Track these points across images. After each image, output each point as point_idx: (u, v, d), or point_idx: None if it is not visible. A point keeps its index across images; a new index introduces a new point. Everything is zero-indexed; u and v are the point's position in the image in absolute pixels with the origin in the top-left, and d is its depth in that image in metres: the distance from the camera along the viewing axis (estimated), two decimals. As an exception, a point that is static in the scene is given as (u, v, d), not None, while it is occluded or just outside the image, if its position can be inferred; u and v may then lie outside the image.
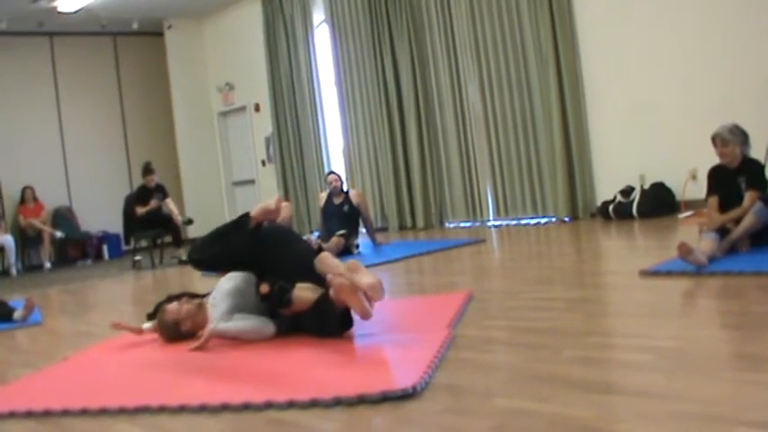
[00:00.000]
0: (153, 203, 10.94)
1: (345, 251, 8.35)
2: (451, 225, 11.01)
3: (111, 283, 9.81)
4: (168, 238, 11.45)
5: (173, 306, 4.82)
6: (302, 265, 4.52)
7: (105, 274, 11.02)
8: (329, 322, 4.20)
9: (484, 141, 10.53)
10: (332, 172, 9.61)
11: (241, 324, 4.43)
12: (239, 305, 4.51)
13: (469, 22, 10.37)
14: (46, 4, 11.97)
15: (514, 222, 10.12)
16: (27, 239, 13.19)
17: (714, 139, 5.73)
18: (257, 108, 14.35)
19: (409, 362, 3.61)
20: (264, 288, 4.28)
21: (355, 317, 4.24)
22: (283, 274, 4.37)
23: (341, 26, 12.21)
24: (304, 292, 4.29)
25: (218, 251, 4.66)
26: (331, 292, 4.12)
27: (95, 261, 13.58)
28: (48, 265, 12.86)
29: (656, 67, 8.68)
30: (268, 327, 4.46)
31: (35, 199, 13.23)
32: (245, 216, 4.64)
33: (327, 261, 4.53)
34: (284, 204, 4.81)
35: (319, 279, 4.42)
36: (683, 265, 4.95)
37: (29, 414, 3.55)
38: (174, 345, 4.72)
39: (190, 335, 4.75)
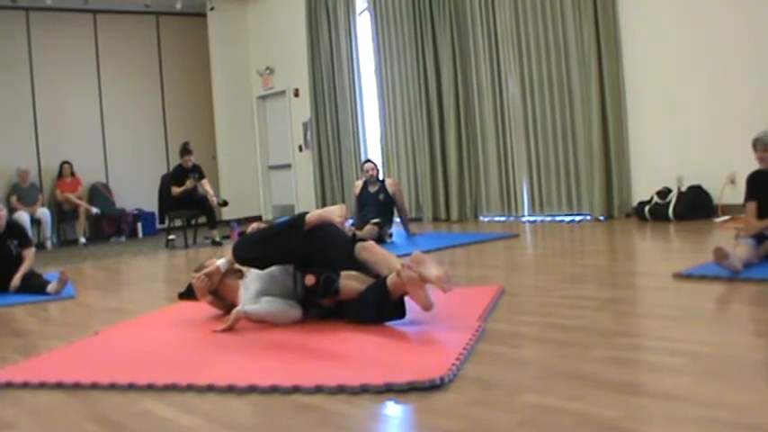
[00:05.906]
0: (189, 184, 11.01)
1: (379, 240, 8.33)
2: (486, 219, 10.99)
3: (144, 260, 9.88)
4: (203, 219, 11.53)
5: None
6: (343, 254, 4.54)
7: (139, 251, 11.10)
8: (383, 310, 4.20)
9: (522, 136, 10.48)
10: (368, 160, 9.60)
11: (267, 306, 4.46)
12: (269, 289, 4.54)
13: (512, 17, 10.32)
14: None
15: (549, 219, 10.08)
16: (63, 214, 13.32)
17: (755, 143, 5.64)
18: (296, 93, 14.40)
19: (438, 353, 3.62)
20: (310, 279, 4.30)
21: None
22: (325, 263, 4.39)
23: (383, 15, 12.21)
24: (351, 281, 4.31)
25: (265, 253, 4.59)
26: (389, 282, 4.14)
27: (129, 238, 13.70)
28: (82, 240, 12.97)
29: (698, 70, 8.60)
30: (294, 310, 4.49)
31: (72, 174, 13.36)
32: (300, 221, 4.51)
33: (377, 250, 4.57)
34: (343, 207, 4.73)
35: (360, 266, 4.44)
36: (717, 269, 4.91)
37: (59, 385, 3.59)
38: (205, 299, 4.93)
39: (220, 298, 4.92)
